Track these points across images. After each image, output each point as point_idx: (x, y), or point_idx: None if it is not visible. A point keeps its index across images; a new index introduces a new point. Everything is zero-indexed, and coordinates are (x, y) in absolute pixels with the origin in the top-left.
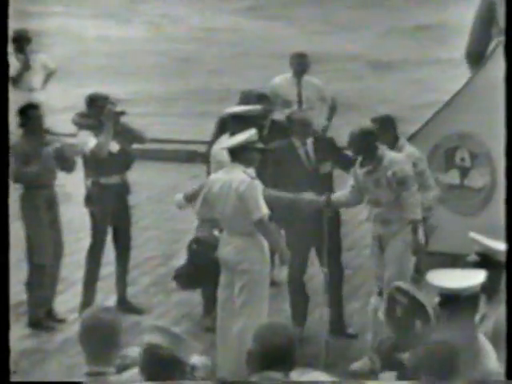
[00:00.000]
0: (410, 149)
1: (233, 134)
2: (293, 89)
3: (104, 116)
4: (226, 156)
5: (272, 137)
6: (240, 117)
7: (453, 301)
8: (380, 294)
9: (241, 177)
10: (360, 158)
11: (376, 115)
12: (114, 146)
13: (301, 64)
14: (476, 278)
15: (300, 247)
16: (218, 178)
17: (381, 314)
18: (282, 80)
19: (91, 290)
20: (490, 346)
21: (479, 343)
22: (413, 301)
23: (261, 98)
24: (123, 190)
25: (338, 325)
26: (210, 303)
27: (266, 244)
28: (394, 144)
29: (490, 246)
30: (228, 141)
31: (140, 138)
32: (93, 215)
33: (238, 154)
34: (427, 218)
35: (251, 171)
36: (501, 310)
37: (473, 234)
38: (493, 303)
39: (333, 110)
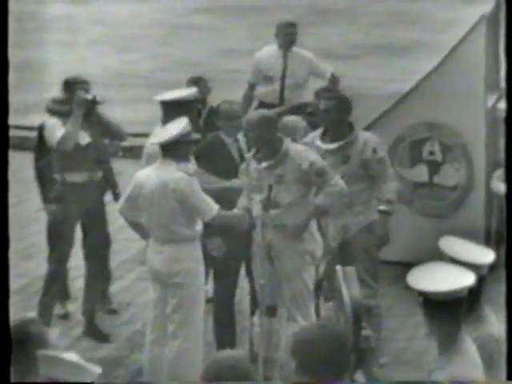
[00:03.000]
0: (365, 134)
1: (165, 123)
2: (277, 63)
3: (74, 103)
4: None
5: (209, 127)
6: (172, 103)
7: (433, 303)
8: (270, 312)
9: (176, 175)
10: (254, 151)
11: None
12: (84, 139)
13: (288, 34)
14: (461, 281)
15: (230, 263)
16: (148, 176)
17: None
18: (265, 53)
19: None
20: (474, 351)
21: (458, 346)
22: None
23: (195, 81)
24: (93, 189)
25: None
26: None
27: (201, 254)
28: (348, 131)
29: (468, 260)
30: (159, 135)
31: (118, 135)
32: (53, 216)
33: (170, 150)
34: (389, 213)
35: (187, 166)
36: (484, 329)
37: (443, 243)
38: (472, 321)
39: (331, 86)
